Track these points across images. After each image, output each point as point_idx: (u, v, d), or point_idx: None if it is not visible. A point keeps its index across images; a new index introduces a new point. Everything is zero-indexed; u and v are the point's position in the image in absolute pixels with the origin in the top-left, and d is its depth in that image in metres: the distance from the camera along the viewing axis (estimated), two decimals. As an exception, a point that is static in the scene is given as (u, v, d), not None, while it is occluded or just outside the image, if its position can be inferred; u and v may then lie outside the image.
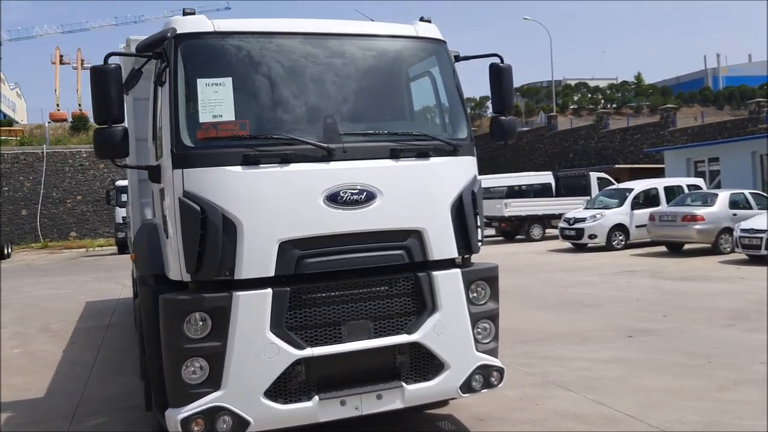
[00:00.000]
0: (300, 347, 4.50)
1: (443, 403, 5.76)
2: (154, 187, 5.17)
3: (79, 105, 56.82)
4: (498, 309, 5.19)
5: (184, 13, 4.75)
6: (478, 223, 5.07)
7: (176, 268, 4.51)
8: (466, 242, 4.96)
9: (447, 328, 4.86)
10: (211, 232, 4.32)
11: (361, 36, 5.06)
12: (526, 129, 46.21)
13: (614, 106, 62.23)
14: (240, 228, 4.37)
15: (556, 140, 41.37)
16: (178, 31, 4.59)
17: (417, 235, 4.81)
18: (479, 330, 5.07)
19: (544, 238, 24.49)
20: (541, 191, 28.03)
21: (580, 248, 20.41)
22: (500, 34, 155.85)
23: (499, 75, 5.30)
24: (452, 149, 4.97)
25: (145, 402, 5.52)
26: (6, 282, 19.96)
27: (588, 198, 23.69)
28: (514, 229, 24.95)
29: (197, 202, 4.33)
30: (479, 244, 5.10)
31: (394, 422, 5.56)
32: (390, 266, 4.78)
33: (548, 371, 7.09)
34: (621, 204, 20.28)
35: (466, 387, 4.96)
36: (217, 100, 4.52)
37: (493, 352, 5.13)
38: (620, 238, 19.92)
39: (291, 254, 4.47)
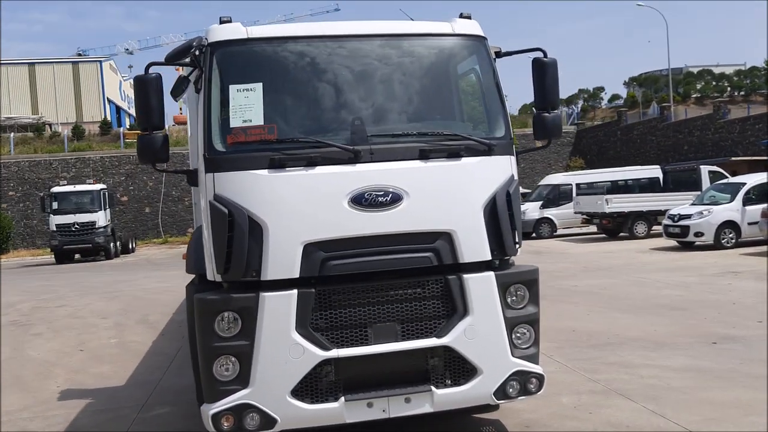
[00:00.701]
0: (325, 348, 4.54)
1: (493, 407, 5.61)
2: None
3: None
4: (538, 313, 5.00)
5: (221, 21, 4.90)
6: (516, 225, 4.91)
7: (210, 269, 4.69)
8: (500, 244, 4.81)
9: (479, 333, 4.75)
10: (238, 234, 4.45)
11: (393, 36, 5.00)
12: (637, 121, 43.92)
13: (742, 93, 58.14)
14: (266, 230, 4.47)
15: (669, 132, 39.08)
16: (211, 39, 4.74)
17: (446, 237, 4.71)
18: (517, 335, 4.92)
19: (649, 235, 23.28)
20: (648, 186, 26.61)
21: (686, 247, 19.23)
22: (611, 23, 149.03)
23: (543, 70, 5.10)
24: (486, 149, 4.83)
25: (196, 396, 5.77)
26: (121, 275, 21.50)
27: (697, 193, 22.26)
28: (616, 226, 23.85)
29: (225, 205, 4.47)
30: (516, 246, 4.95)
31: (436, 424, 5.49)
32: (419, 268, 4.73)
33: (612, 378, 6.76)
34: (732, 199, 18.92)
35: (501, 393, 4.84)
36: (247, 106, 4.64)
37: (532, 359, 4.95)
38: (730, 236, 18.56)
39: (315, 256, 4.52)
